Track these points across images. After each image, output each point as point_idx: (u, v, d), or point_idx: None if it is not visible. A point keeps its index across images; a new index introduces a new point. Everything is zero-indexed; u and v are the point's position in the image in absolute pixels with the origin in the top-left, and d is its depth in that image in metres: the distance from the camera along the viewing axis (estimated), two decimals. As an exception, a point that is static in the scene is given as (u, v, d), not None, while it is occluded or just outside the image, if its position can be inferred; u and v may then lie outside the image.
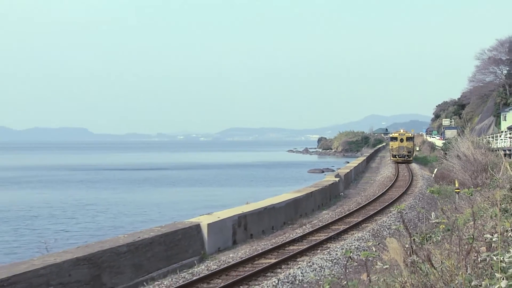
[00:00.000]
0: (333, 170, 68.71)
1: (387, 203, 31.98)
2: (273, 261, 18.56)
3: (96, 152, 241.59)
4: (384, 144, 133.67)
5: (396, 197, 35.08)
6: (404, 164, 67.92)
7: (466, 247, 6.07)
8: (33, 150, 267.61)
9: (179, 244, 19.98)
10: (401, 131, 78.16)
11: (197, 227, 21.41)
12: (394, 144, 73.81)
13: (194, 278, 16.77)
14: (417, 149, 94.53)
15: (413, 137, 79.54)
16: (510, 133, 49.75)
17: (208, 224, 21.74)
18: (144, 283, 17.11)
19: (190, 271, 18.31)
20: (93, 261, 15.94)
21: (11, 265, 14.97)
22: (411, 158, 73.20)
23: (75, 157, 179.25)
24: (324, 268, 17.76)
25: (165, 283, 16.72)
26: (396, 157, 72.39)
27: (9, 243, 32.77)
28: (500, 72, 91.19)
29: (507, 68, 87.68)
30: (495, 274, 4.32)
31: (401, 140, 72.81)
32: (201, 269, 18.36)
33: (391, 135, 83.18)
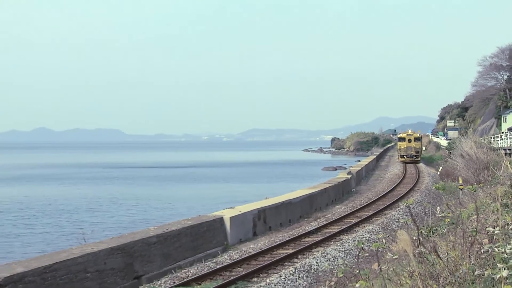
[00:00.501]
0: (345, 168, 68.74)
1: (396, 199, 31.82)
2: (290, 251, 18.55)
3: (129, 151, 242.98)
4: (392, 144, 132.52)
5: (404, 193, 34.84)
6: (411, 163, 64.62)
7: (470, 239, 6.02)
8: (72, 150, 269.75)
9: (204, 236, 20.03)
10: (409, 131, 72.34)
11: (221, 220, 21.46)
12: (402, 145, 68.66)
13: (218, 266, 16.80)
14: (424, 148, 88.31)
15: (421, 138, 73.87)
16: (510, 134, 49.37)
17: (231, 217, 21.77)
18: (173, 270, 17.16)
19: (214, 260, 18.36)
20: (126, 251, 16.03)
21: (53, 253, 15.10)
22: (419, 158, 68.21)
23: (109, 156, 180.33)
24: (337, 258, 17.71)
25: (191, 271, 16.77)
26: (404, 157, 67.44)
27: (51, 234, 33.09)
28: (501, 77, 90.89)
29: (507, 74, 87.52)
30: (497, 264, 4.28)
31: (409, 141, 67.77)
32: (224, 259, 18.40)
33: (399, 136, 76.75)
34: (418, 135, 70.92)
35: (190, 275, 16.13)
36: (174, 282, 15.10)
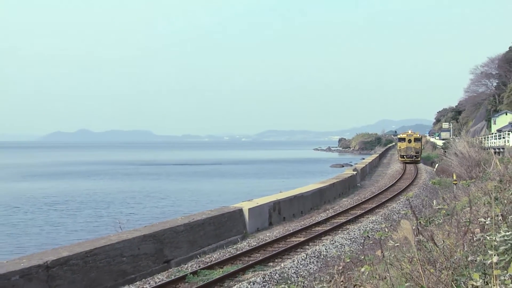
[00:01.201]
0: (351, 165, 68.25)
1: (396, 192, 31.62)
2: (302, 239, 18.54)
3: (159, 150, 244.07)
4: (393, 143, 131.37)
5: (404, 188, 34.59)
6: (411, 163, 59.96)
7: (463, 228, 5.99)
8: (109, 149, 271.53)
9: (226, 225, 20.07)
10: (409, 132, 65.62)
11: (240, 211, 21.49)
12: (402, 145, 62.55)
13: (238, 252, 16.82)
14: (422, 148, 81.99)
15: (421, 138, 67.54)
16: (499, 135, 48.89)
17: (249, 209, 21.80)
18: (198, 255, 17.21)
19: (234, 247, 18.39)
20: (157, 238, 16.12)
21: (93, 240, 15.23)
22: (419, 159, 62.19)
23: (141, 154, 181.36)
24: (344, 245, 17.66)
25: (214, 256, 16.81)
26: (404, 158, 61.40)
27: (91, 223, 33.38)
28: (490, 84, 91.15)
29: (497, 81, 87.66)
30: (488, 251, 4.25)
31: (409, 141, 61.70)
32: (243, 245, 18.43)
33: (399, 136, 69.46)
34: (418, 135, 65.09)
35: (213, 259, 16.17)
36: (199, 266, 15.15)
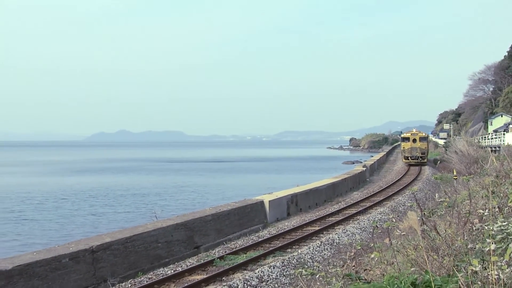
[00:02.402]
0: (361, 162, 67.72)
1: (402, 187, 31.33)
2: (317, 228, 18.51)
3: (189, 149, 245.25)
4: (399, 143, 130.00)
5: (408, 182, 34.26)
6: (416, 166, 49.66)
7: (463, 219, 5.94)
8: (145, 148, 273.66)
9: (248, 215, 20.12)
10: (414, 130, 54.93)
11: (261, 203, 21.52)
12: (406, 145, 51.74)
13: (260, 239, 16.86)
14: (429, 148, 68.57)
15: (427, 137, 55.30)
16: (495, 135, 48.31)
17: (269, 201, 21.82)
18: (224, 242, 17.29)
19: (256, 235, 18.42)
20: (188, 226, 16.23)
21: (132, 228, 15.40)
22: (425, 160, 51.10)
23: (174, 152, 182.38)
24: (355, 234, 17.58)
25: (239, 243, 16.86)
26: (408, 159, 51.18)
27: (130, 213, 33.68)
28: (487, 89, 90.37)
29: (493, 86, 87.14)
30: (486, 239, 4.21)
31: (414, 141, 51.07)
32: (264, 233, 18.45)
33: (402, 135, 56.89)
34: (423, 134, 53.59)
35: (238, 246, 16.22)
36: (225, 251, 15.20)
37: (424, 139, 51.95)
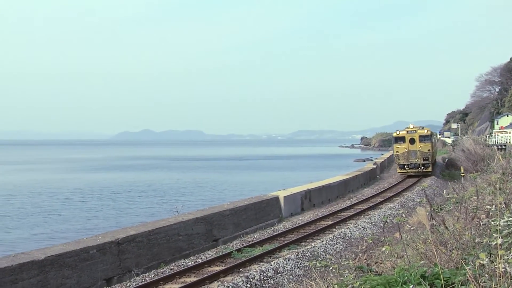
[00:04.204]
0: (372, 160, 67.27)
1: (411, 183, 31.04)
2: (329, 223, 18.45)
3: (208, 147, 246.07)
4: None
5: (417, 179, 33.95)
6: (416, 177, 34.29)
7: (471, 214, 5.89)
8: (166, 146, 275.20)
9: (264, 210, 20.14)
10: (411, 126, 35.88)
11: (276, 198, 21.52)
12: (400, 148, 34.47)
13: (275, 233, 16.87)
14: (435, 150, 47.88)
15: (431, 135, 36.29)
16: (500, 134, 47.82)
17: (284, 197, 21.81)
18: (241, 235, 17.33)
19: (272, 229, 18.44)
20: (207, 220, 16.30)
21: (155, 222, 15.53)
22: (429, 169, 34.60)
23: (193, 151, 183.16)
24: (366, 228, 17.49)
25: (255, 236, 16.90)
26: (404, 169, 34.53)
27: (152, 208, 33.92)
28: (494, 90, 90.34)
29: (499, 87, 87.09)
30: (493, 234, 4.18)
31: (411, 141, 34.21)
32: (279, 227, 18.46)
33: (394, 135, 36.06)
34: (425, 131, 35.01)
35: (254, 239, 16.25)
36: (242, 244, 15.24)
37: (427, 138, 34.45)
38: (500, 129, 57.92)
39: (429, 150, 33.97)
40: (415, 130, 34.47)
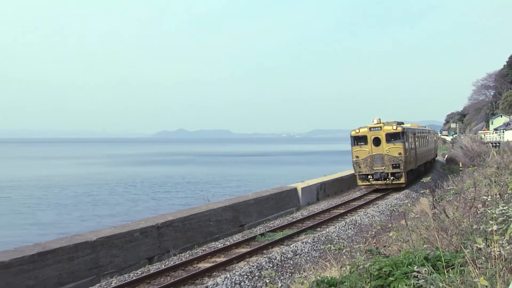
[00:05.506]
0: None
1: (414, 176, 30.52)
2: (342, 211, 18.34)
3: (234, 144, 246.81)
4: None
5: (427, 169, 32.90)
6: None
7: (469, 204, 5.83)
8: (198, 144, 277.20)
9: (284, 200, 20.15)
10: (375, 121, 22.76)
11: (295, 189, 21.49)
12: (361, 152, 22.62)
13: (294, 220, 16.85)
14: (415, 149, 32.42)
15: (403, 133, 22.27)
16: (495, 132, 46.95)
17: (302, 188, 21.77)
18: (264, 222, 17.38)
19: (291, 216, 18.43)
20: (234, 208, 16.41)
21: (189, 209, 15.71)
22: (401, 180, 22.22)
23: (221, 148, 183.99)
24: (374, 216, 17.34)
25: (276, 222, 16.91)
26: (367, 180, 22.76)
27: (186, 198, 34.26)
28: (489, 93, 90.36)
29: (493, 91, 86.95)
30: (489, 221, 4.15)
31: (375, 142, 22.35)
32: (298, 215, 18.43)
33: (353, 133, 23.13)
34: (394, 128, 22.37)
35: (275, 225, 16.27)
36: (265, 229, 15.27)
37: (397, 137, 22.29)
38: (483, 130, 57.92)
39: (400, 154, 21.94)
40: (380, 127, 22.41)
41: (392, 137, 22.34)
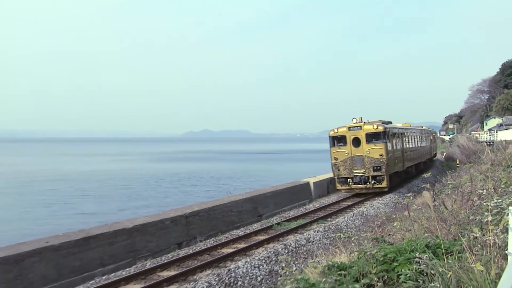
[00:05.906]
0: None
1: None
2: (350, 203, 18.20)
3: (253, 143, 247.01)
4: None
5: (421, 169, 32.72)
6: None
7: (466, 197, 5.77)
8: (221, 143, 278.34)
9: (298, 193, 20.11)
10: (354, 121, 19.09)
11: (308, 184, 21.42)
12: (340, 154, 19.12)
13: (307, 211, 16.81)
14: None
15: (385, 133, 18.61)
16: (489, 133, 46.16)
17: (314, 182, 21.67)
18: (280, 212, 17.38)
19: (304, 207, 18.39)
20: (253, 200, 16.47)
21: (213, 200, 15.85)
22: (383, 184, 18.62)
23: (241, 146, 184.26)
24: (380, 208, 17.18)
25: (291, 213, 16.90)
26: (347, 184, 19.07)
27: (211, 190, 34.51)
28: (483, 97, 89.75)
29: (487, 95, 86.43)
30: (484, 213, 4.11)
31: (355, 142, 18.82)
32: (310, 207, 18.38)
33: (331, 133, 19.57)
34: (375, 127, 18.70)
35: (290, 215, 16.25)
36: (281, 219, 15.28)
37: (378, 137, 18.91)
38: (476, 131, 57.53)
39: (381, 155, 18.60)
40: (360, 126, 19.07)
41: (373, 137, 18.82)
